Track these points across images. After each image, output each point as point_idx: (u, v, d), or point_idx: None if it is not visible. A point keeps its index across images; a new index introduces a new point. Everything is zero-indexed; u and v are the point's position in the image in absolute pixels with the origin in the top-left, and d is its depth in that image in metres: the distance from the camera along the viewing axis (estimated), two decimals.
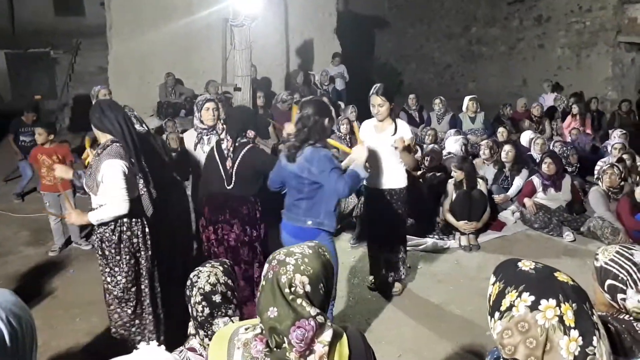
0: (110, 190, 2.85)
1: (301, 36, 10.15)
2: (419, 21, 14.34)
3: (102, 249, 2.96)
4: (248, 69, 6.05)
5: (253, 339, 1.42)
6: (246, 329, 1.46)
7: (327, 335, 1.39)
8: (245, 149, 3.49)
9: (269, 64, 9.35)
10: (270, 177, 3.27)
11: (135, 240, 2.99)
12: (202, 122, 4.06)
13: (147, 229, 3.04)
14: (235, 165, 3.47)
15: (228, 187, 3.49)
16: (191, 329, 2.00)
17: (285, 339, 1.36)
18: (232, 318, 1.93)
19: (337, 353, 1.42)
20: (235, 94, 6.15)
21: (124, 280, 2.99)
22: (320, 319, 1.38)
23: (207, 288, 1.92)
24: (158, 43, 8.58)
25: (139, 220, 3.02)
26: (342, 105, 9.56)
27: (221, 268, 2.01)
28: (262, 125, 8.09)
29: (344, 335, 1.46)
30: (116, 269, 2.97)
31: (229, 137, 3.51)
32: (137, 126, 3.55)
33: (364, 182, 3.68)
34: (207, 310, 1.90)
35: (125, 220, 2.94)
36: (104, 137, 2.97)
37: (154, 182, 3.15)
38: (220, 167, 3.50)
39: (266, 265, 1.46)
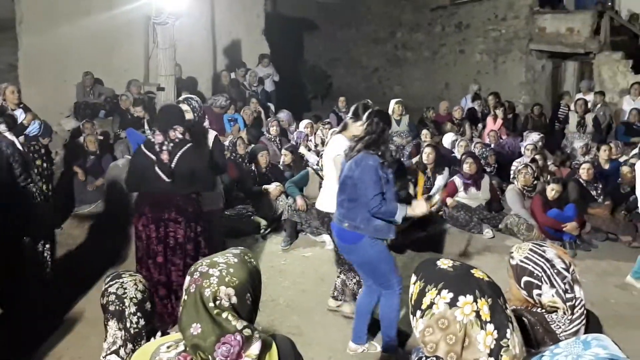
0: None
1: (229, 36, 9.99)
2: (347, 25, 14.56)
3: None
4: (172, 68, 5.86)
5: (175, 358, 1.34)
6: (168, 347, 1.37)
7: (254, 348, 1.33)
8: (186, 147, 3.54)
9: (195, 64, 9.10)
10: None
11: None
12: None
13: None
14: (175, 160, 3.49)
15: (168, 180, 3.49)
16: (109, 344, 1.87)
17: (210, 356, 1.29)
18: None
19: None
20: (159, 93, 5.94)
21: None
22: (247, 332, 1.32)
23: (139, 296, 1.88)
24: (75, 39, 8.09)
25: None
26: (272, 106, 9.51)
27: (137, 276, 1.94)
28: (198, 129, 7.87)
29: (273, 345, 1.41)
30: None
31: (159, 132, 3.53)
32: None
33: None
34: (142, 322, 1.85)
35: None
36: None
37: None
38: (155, 161, 3.48)
39: (188, 278, 1.37)
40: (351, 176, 3.13)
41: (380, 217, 3.10)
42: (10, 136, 3.66)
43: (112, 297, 1.87)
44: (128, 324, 1.84)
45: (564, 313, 1.65)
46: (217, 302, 1.32)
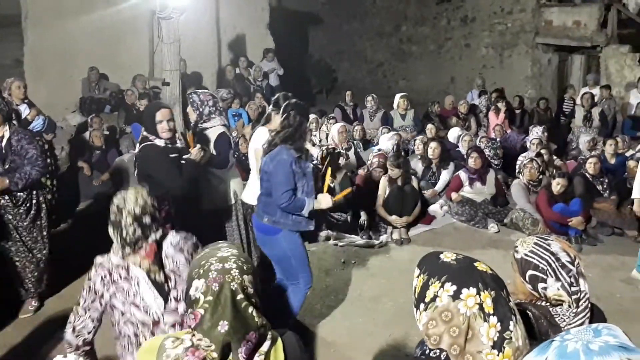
0: None
1: (233, 30, 9.98)
2: (351, 19, 14.50)
3: None
4: (177, 63, 5.85)
5: (184, 354, 1.35)
6: (173, 342, 1.39)
7: (265, 345, 1.38)
8: (141, 146, 3.45)
9: (200, 59, 9.12)
10: None
11: None
12: None
13: None
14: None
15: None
16: (113, 249, 2.08)
17: (232, 354, 1.33)
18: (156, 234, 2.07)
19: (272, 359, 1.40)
20: (164, 89, 5.93)
21: None
22: (262, 331, 1.38)
23: (137, 211, 2.04)
24: (80, 35, 8.12)
25: None
26: None
27: (145, 190, 2.11)
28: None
29: (279, 340, 1.44)
30: None
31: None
32: None
33: None
34: (138, 232, 2.03)
35: None
36: None
37: None
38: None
39: (200, 281, 1.37)
40: (266, 171, 3.13)
41: (290, 212, 3.12)
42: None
43: (114, 208, 2.07)
44: (124, 234, 2.02)
45: (569, 306, 1.64)
46: (245, 292, 1.37)
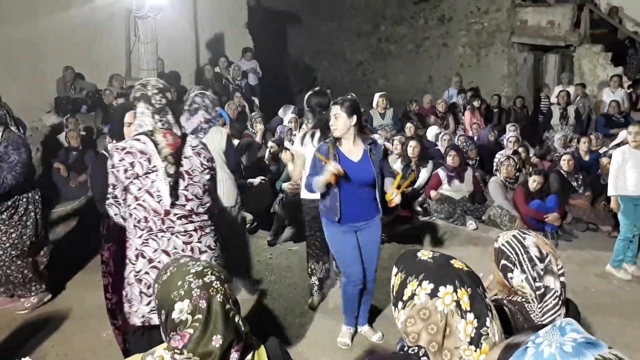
0: None
1: (211, 29, 9.90)
2: (330, 18, 14.52)
3: None
4: (154, 62, 5.83)
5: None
6: (153, 354, 1.39)
7: (248, 354, 1.40)
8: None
9: (178, 58, 9.02)
10: None
11: None
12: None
13: None
14: None
15: None
16: (137, 127, 2.31)
17: None
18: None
19: None
20: None
21: None
22: (248, 339, 1.39)
23: (160, 84, 2.37)
24: (55, 33, 7.94)
25: None
26: (256, 100, 9.47)
27: (160, 82, 2.38)
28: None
29: (261, 347, 1.45)
30: None
31: None
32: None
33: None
34: (163, 100, 2.29)
35: None
36: None
37: None
38: None
39: (184, 303, 1.34)
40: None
41: (310, 191, 3.34)
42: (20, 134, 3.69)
43: (138, 86, 2.35)
44: (153, 101, 2.28)
45: (532, 301, 1.69)
46: (231, 300, 1.37)
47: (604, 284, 4.58)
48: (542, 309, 1.68)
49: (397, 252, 5.03)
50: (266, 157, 6.52)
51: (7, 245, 3.66)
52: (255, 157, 6.54)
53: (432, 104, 9.14)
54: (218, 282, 1.38)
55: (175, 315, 1.34)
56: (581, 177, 6.23)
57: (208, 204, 2.37)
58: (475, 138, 7.71)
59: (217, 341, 1.31)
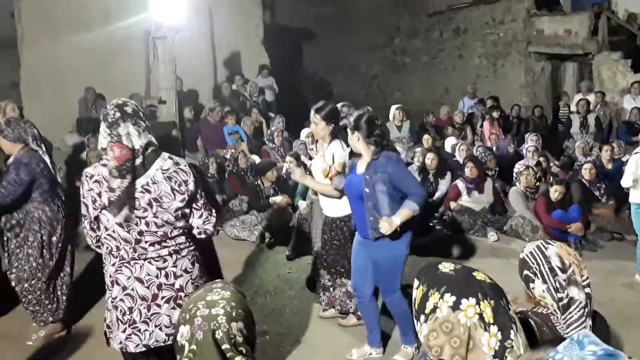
0: None
1: (228, 48, 10.06)
2: (344, 33, 14.64)
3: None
4: (173, 81, 5.93)
5: None
6: None
7: None
8: None
9: (196, 76, 9.17)
10: None
11: None
12: None
13: None
14: None
15: None
16: None
17: None
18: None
19: None
20: (161, 107, 5.98)
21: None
22: None
23: (120, 101, 2.26)
24: (75, 55, 8.17)
25: None
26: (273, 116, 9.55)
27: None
28: (190, 138, 7.91)
29: None
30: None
31: None
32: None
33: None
34: (117, 114, 2.20)
35: None
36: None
37: None
38: None
39: (185, 327, 1.30)
40: None
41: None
42: (41, 153, 3.64)
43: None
44: (109, 118, 2.22)
45: (555, 312, 1.66)
46: (232, 341, 1.28)
47: (632, 295, 4.46)
48: (567, 320, 1.64)
49: (416, 265, 4.97)
50: (284, 171, 6.55)
51: (15, 264, 3.60)
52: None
53: (449, 115, 9.10)
54: (224, 318, 1.29)
55: (178, 337, 1.31)
56: (604, 186, 6.11)
57: (182, 228, 2.28)
58: (494, 149, 7.64)
59: None
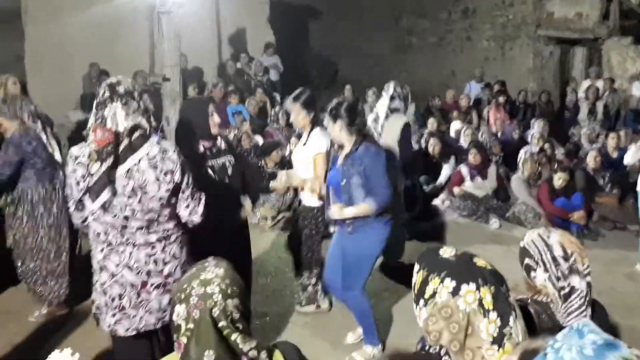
0: None
1: (233, 25, 9.95)
2: (351, 12, 14.43)
3: None
4: (177, 58, 5.85)
5: None
6: None
7: None
8: None
9: (200, 53, 9.09)
10: None
11: None
12: None
13: None
14: None
15: None
16: None
17: None
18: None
19: None
20: (165, 84, 5.93)
21: None
22: (252, 354, 1.31)
23: (114, 80, 2.21)
24: (79, 30, 8.09)
25: None
26: (277, 96, 9.48)
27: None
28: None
29: (276, 353, 1.40)
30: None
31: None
32: None
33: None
34: (107, 94, 2.15)
35: None
36: None
37: None
38: None
39: (181, 306, 1.31)
40: None
41: None
42: (38, 130, 3.52)
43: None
44: (98, 97, 2.21)
45: (555, 301, 1.66)
46: (229, 318, 1.30)
47: (632, 285, 4.46)
48: (567, 309, 1.64)
49: (417, 250, 4.97)
50: (287, 154, 6.52)
51: (17, 244, 3.59)
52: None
53: (455, 99, 9.02)
54: (220, 295, 1.30)
55: (174, 317, 1.32)
56: (608, 174, 6.07)
57: (169, 215, 2.24)
58: (499, 134, 7.59)
59: (209, 357, 1.26)
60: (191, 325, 1.29)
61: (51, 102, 6.80)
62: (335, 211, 2.99)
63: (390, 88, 4.50)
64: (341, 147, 3.11)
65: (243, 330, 1.32)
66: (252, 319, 1.42)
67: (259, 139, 7.12)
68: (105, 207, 2.11)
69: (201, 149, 2.82)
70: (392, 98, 4.42)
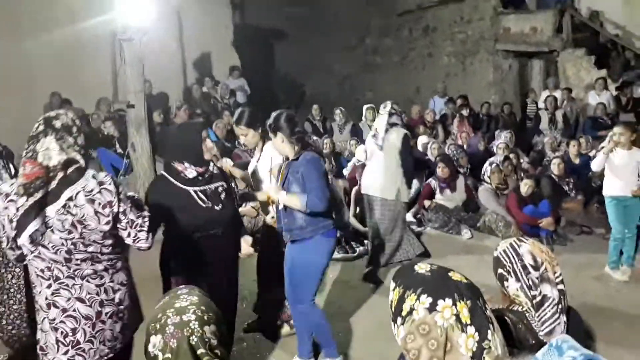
0: None
1: (198, 49, 9.93)
2: (316, 33, 14.60)
3: None
4: (141, 84, 5.77)
5: None
6: None
7: None
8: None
9: (165, 79, 9.02)
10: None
11: None
12: None
13: None
14: None
15: None
16: None
17: None
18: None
19: None
20: (129, 111, 5.84)
21: None
22: None
23: (53, 114, 2.12)
24: (39, 58, 7.92)
25: None
26: None
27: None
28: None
29: None
30: None
31: None
32: None
33: None
34: (41, 127, 2.05)
35: None
36: None
37: None
38: None
39: (157, 338, 1.28)
40: None
41: None
42: None
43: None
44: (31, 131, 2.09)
45: (529, 310, 1.67)
46: (207, 345, 1.28)
47: (602, 287, 4.57)
48: (541, 317, 1.65)
49: (392, 266, 4.99)
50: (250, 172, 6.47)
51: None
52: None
53: (421, 114, 9.18)
54: (197, 323, 1.29)
55: (150, 348, 1.29)
56: (572, 180, 6.25)
57: (112, 244, 2.18)
58: (466, 146, 7.73)
59: None
60: (169, 355, 1.26)
61: (14, 131, 6.60)
62: (272, 189, 3.06)
63: (387, 106, 4.81)
64: (287, 158, 3.15)
65: (221, 357, 1.30)
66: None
67: (228, 162, 7.04)
68: (39, 243, 2.03)
69: (194, 174, 2.76)
70: (390, 114, 4.71)
